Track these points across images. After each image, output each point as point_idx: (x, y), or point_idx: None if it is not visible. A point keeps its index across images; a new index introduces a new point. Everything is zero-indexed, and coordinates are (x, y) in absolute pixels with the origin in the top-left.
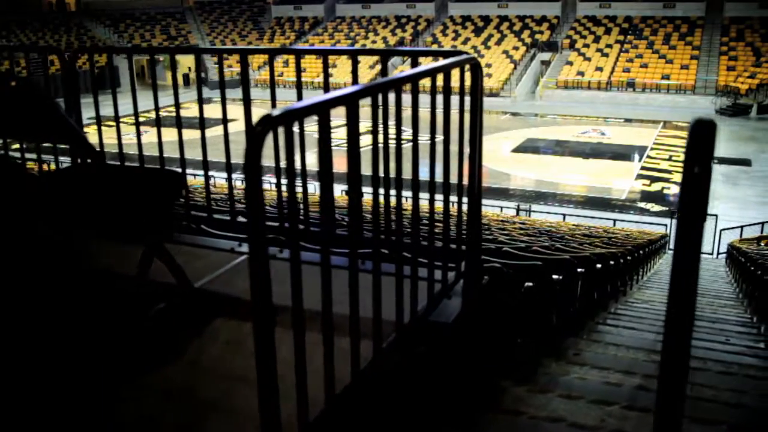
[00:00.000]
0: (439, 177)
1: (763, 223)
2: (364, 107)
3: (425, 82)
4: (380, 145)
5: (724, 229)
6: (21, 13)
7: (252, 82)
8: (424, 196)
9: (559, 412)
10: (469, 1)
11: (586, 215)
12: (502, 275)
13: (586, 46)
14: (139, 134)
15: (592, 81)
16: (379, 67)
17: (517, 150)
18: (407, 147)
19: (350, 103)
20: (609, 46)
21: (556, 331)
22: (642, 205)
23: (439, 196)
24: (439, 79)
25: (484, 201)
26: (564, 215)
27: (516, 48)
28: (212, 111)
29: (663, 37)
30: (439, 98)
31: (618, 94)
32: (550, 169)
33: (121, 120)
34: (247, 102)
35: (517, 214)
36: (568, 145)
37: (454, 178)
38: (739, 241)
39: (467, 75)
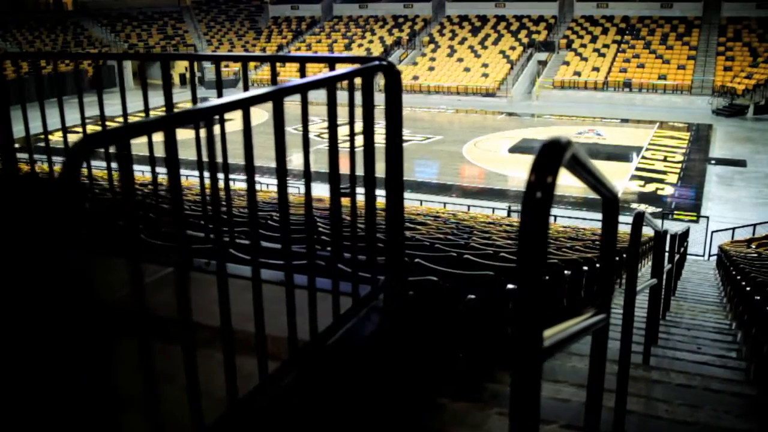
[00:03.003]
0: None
1: (755, 225)
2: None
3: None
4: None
5: (715, 231)
6: (18, 12)
7: (248, 81)
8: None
9: (492, 431)
10: (466, 0)
11: (580, 216)
12: (434, 289)
13: (583, 46)
14: (47, 140)
15: (589, 81)
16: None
17: (512, 150)
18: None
19: (198, 120)
20: (606, 46)
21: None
22: (636, 206)
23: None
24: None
25: (479, 202)
26: (556, 217)
27: (513, 48)
28: None
29: (660, 37)
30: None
31: (614, 95)
32: None
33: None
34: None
35: (509, 215)
36: None
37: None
38: (730, 243)
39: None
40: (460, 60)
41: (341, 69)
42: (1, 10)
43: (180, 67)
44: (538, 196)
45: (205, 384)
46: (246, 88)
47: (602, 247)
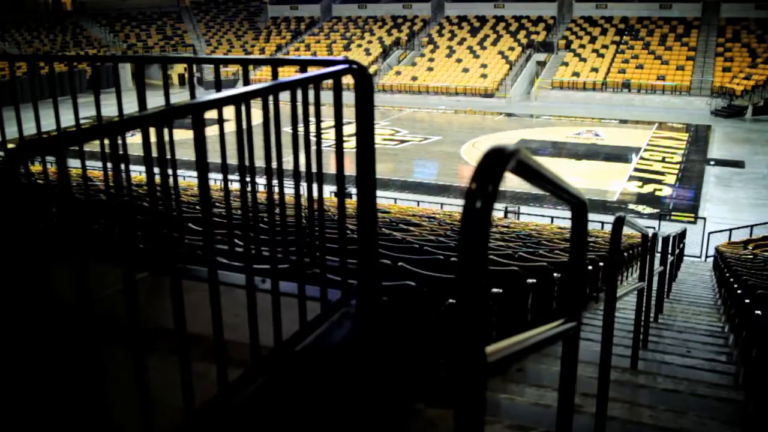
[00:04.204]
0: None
1: (752, 226)
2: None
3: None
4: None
5: (712, 232)
6: (17, 12)
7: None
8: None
9: None
10: (465, 1)
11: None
12: (412, 293)
13: (582, 46)
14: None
15: (588, 82)
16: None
17: None
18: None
19: (146, 126)
20: (605, 46)
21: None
22: (633, 207)
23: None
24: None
25: None
26: (552, 218)
27: (512, 48)
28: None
29: (659, 37)
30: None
31: (613, 95)
32: None
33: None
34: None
35: (505, 216)
36: (562, 146)
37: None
38: (726, 244)
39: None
40: (459, 60)
41: (312, 71)
42: None
43: (179, 67)
44: (478, 205)
45: (167, 393)
46: (218, 90)
47: (571, 254)
